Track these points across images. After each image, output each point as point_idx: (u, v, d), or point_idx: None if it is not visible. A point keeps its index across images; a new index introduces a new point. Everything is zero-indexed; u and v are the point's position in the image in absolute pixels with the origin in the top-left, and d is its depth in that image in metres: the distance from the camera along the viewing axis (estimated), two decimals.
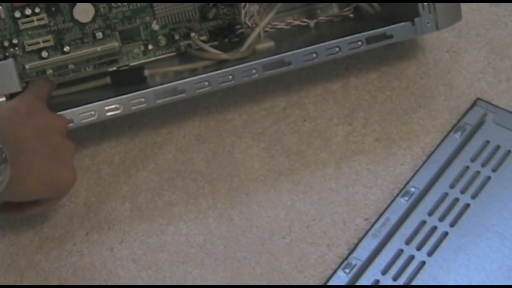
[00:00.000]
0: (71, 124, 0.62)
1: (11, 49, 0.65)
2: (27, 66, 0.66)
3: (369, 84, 0.72)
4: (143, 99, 0.63)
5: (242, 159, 0.68)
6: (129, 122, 0.71)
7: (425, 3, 0.66)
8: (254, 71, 0.65)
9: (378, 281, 0.61)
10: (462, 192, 0.65)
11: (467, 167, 0.66)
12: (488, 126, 0.68)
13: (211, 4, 0.70)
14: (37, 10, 0.65)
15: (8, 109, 0.59)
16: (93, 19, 0.67)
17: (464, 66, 0.73)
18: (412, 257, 0.62)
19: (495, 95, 0.71)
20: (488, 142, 0.67)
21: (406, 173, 0.66)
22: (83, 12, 0.66)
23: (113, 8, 0.67)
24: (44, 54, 0.66)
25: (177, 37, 0.70)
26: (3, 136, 0.55)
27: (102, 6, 0.67)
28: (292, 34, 0.72)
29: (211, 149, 0.69)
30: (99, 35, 0.67)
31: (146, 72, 0.67)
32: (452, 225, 0.63)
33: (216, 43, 0.71)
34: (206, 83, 0.64)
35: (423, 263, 0.61)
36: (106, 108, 0.63)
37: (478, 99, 0.70)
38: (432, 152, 0.67)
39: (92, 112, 0.62)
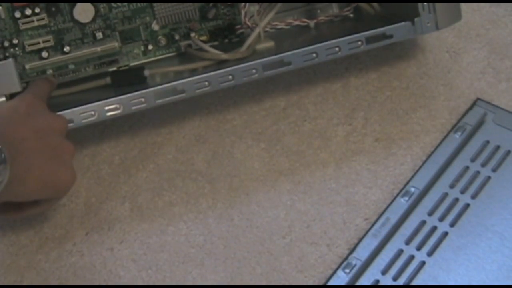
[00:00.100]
0: (71, 124, 0.62)
1: (11, 49, 0.65)
2: (27, 66, 0.66)
3: (369, 84, 0.72)
4: (143, 99, 0.63)
5: (242, 159, 0.68)
6: (129, 122, 0.71)
7: (425, 3, 0.66)
8: (254, 71, 0.65)
9: (378, 281, 0.61)
10: (462, 192, 0.65)
11: (467, 167, 0.66)
12: (488, 126, 0.68)
13: (211, 4, 0.70)
14: (37, 10, 0.65)
15: (8, 109, 0.59)
16: (93, 19, 0.67)
17: (464, 66, 0.73)
18: (412, 257, 0.62)
19: (495, 95, 0.71)
20: (488, 142, 0.67)
21: (406, 173, 0.66)
22: (83, 12, 0.66)
23: (113, 8, 0.67)
24: (44, 54, 0.66)
25: (177, 37, 0.70)
26: (2, 136, 0.55)
27: (102, 6, 0.67)
28: (292, 34, 0.72)
29: (211, 149, 0.69)
30: (99, 35, 0.67)
31: (146, 72, 0.67)
32: (452, 225, 0.63)
33: (216, 43, 0.71)
34: (206, 83, 0.64)
35: (423, 263, 0.61)
36: (106, 108, 0.63)
37: (478, 99, 0.70)
38: (432, 152, 0.67)
39: (92, 112, 0.62)
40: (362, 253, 0.61)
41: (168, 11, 0.68)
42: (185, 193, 0.66)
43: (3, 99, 0.62)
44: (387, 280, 0.61)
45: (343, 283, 0.60)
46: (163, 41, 0.70)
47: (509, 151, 0.67)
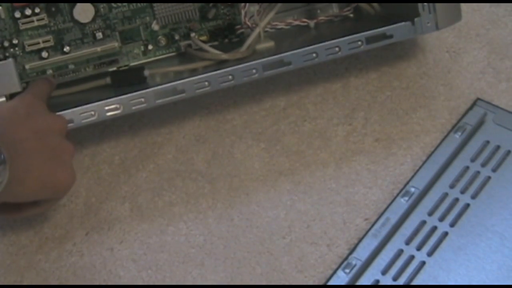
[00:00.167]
0: (71, 124, 0.62)
1: (11, 49, 0.65)
2: (27, 66, 0.66)
3: (369, 84, 0.72)
4: (143, 99, 0.63)
5: (242, 159, 0.68)
6: (129, 122, 0.71)
7: (425, 3, 0.66)
8: (254, 71, 0.65)
9: (378, 281, 0.61)
10: (462, 192, 0.65)
11: (467, 167, 0.66)
12: (488, 126, 0.68)
13: (211, 4, 0.70)
14: (37, 10, 0.65)
15: (8, 109, 0.59)
16: (93, 19, 0.67)
17: (464, 66, 0.73)
18: (412, 257, 0.62)
19: (495, 95, 0.71)
20: (488, 142, 0.67)
21: (406, 173, 0.66)
22: (83, 12, 0.66)
23: (113, 9, 0.67)
24: (44, 54, 0.66)
25: (177, 37, 0.70)
26: (2, 136, 0.55)
27: (102, 6, 0.67)
28: (292, 34, 0.72)
29: (211, 149, 0.69)
30: (99, 35, 0.67)
31: (146, 72, 0.67)
32: (452, 225, 0.63)
33: (216, 43, 0.71)
34: (206, 83, 0.64)
35: (423, 263, 0.61)
36: (106, 108, 0.63)
37: (478, 99, 0.70)
38: (432, 152, 0.67)
39: (92, 112, 0.62)
40: (362, 253, 0.61)
41: (168, 11, 0.68)
42: (185, 193, 0.66)
43: (3, 99, 0.62)
44: (387, 280, 0.61)
45: (343, 283, 0.60)
46: (163, 41, 0.70)
47: (509, 151, 0.67)
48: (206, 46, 0.69)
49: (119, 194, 0.66)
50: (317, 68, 0.73)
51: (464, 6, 0.71)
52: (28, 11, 0.64)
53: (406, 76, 0.72)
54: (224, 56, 0.68)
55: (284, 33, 0.72)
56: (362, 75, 0.73)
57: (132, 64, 0.70)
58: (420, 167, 0.66)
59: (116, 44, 0.68)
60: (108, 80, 0.67)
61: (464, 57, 0.74)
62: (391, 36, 0.66)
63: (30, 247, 0.64)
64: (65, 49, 0.67)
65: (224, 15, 0.71)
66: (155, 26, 0.69)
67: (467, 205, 0.64)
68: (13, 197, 0.57)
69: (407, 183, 0.65)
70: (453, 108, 0.70)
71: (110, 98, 0.63)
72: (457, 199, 0.64)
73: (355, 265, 0.61)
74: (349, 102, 0.71)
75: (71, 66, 0.68)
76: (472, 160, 0.66)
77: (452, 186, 0.65)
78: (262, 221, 0.65)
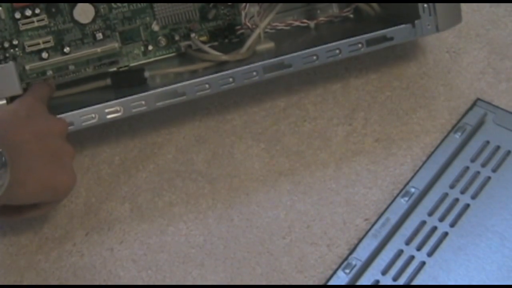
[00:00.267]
0: (71, 127, 0.62)
1: (11, 50, 0.65)
2: (27, 67, 0.66)
3: (369, 84, 0.72)
4: (143, 102, 0.63)
5: (242, 160, 0.68)
6: (129, 122, 0.71)
7: (425, 5, 0.66)
8: (254, 73, 0.65)
9: (378, 281, 0.61)
10: (462, 192, 0.65)
11: (467, 168, 0.66)
12: (488, 127, 0.68)
13: (211, 5, 0.70)
14: (37, 11, 0.65)
15: (8, 112, 0.59)
16: (93, 20, 0.67)
17: (464, 66, 0.73)
18: (412, 258, 0.62)
19: (495, 96, 0.71)
20: (488, 142, 0.67)
21: (406, 173, 0.66)
22: (83, 13, 0.66)
23: (113, 9, 0.67)
24: (44, 55, 0.66)
25: (177, 37, 0.70)
26: (3, 139, 0.55)
27: (102, 7, 0.67)
28: (292, 35, 0.72)
29: (211, 149, 0.69)
30: (99, 36, 0.67)
31: (147, 74, 0.67)
32: (452, 225, 0.63)
33: (216, 43, 0.71)
34: (207, 85, 0.64)
35: (423, 264, 0.61)
36: (107, 110, 0.63)
37: (478, 99, 0.70)
38: (432, 152, 0.67)
39: (93, 115, 0.62)
40: (362, 253, 0.61)
41: (168, 11, 0.68)
42: (185, 193, 0.66)
43: (4, 102, 0.62)
44: (387, 280, 0.61)
45: (343, 284, 0.60)
46: (163, 42, 0.70)
47: (509, 151, 0.67)
48: (206, 48, 0.69)
49: (119, 195, 0.66)
50: (317, 68, 0.73)
51: (464, 6, 0.71)
52: (28, 12, 0.64)
53: (406, 76, 0.72)
54: (224, 57, 0.68)
55: (284, 34, 0.72)
56: (362, 75, 0.73)
57: (132, 64, 0.70)
58: (420, 167, 0.66)
59: (116, 44, 0.68)
60: (108, 81, 0.67)
61: (464, 57, 0.74)
62: (391, 39, 0.66)
63: (30, 247, 0.64)
64: (65, 50, 0.67)
65: (224, 15, 0.71)
66: (155, 27, 0.69)
67: (467, 205, 0.64)
68: (14, 199, 0.57)
69: (407, 183, 0.65)
70: (453, 108, 0.70)
71: (110, 100, 0.63)
72: (457, 199, 0.64)
73: (355, 265, 0.61)
74: (349, 102, 0.71)
75: (71, 67, 0.68)
76: (472, 160, 0.66)
77: (452, 186, 0.65)
78: (262, 221, 0.65)
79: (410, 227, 0.63)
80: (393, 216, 0.63)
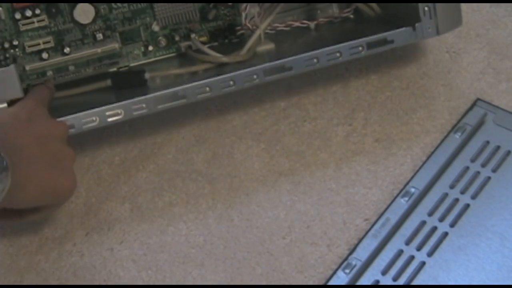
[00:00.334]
0: (72, 130, 0.62)
1: (12, 51, 0.65)
2: (27, 68, 0.66)
3: (369, 85, 0.72)
4: (144, 105, 0.63)
5: (242, 160, 0.68)
6: (129, 123, 0.70)
7: (426, 8, 0.66)
8: (255, 76, 0.65)
9: (378, 281, 0.61)
10: (462, 192, 0.65)
11: (467, 168, 0.66)
12: (488, 127, 0.68)
13: (211, 5, 0.70)
14: (37, 11, 0.65)
15: (9, 115, 0.59)
16: (93, 20, 0.67)
17: (464, 66, 0.73)
18: (412, 258, 0.62)
19: (495, 96, 0.71)
20: (488, 142, 0.67)
21: (406, 173, 0.66)
22: (84, 13, 0.66)
23: (113, 9, 0.67)
24: (45, 55, 0.66)
25: (177, 38, 0.70)
26: (3, 143, 0.55)
27: (103, 7, 0.67)
28: (292, 36, 0.72)
29: (211, 149, 0.69)
30: (100, 36, 0.67)
31: (147, 75, 0.67)
32: (452, 225, 0.63)
33: (216, 43, 0.71)
34: (207, 88, 0.64)
35: (423, 264, 0.61)
36: (107, 113, 0.63)
37: (478, 99, 0.70)
38: (432, 152, 0.67)
39: (94, 118, 0.62)
40: (362, 253, 0.61)
41: (168, 12, 0.68)
42: (185, 194, 0.66)
43: (4, 105, 0.62)
44: (387, 280, 0.61)
45: (343, 284, 0.60)
46: (163, 42, 0.70)
47: (509, 152, 0.67)
48: (206, 49, 0.69)
49: (119, 195, 0.67)
50: (317, 68, 0.73)
51: (464, 6, 0.71)
52: (28, 13, 0.64)
53: (406, 76, 0.72)
54: (225, 59, 0.68)
55: (284, 35, 0.72)
56: (362, 75, 0.73)
57: (132, 64, 0.70)
58: (420, 168, 0.66)
59: (116, 45, 0.68)
60: (108, 82, 0.67)
61: (464, 57, 0.74)
62: (392, 41, 0.67)
63: (30, 248, 0.64)
64: (65, 50, 0.67)
65: (224, 15, 0.71)
66: (156, 27, 0.69)
67: (467, 206, 0.64)
68: (14, 203, 0.57)
69: (407, 183, 0.65)
70: (453, 108, 0.70)
71: (111, 101, 0.63)
72: (457, 200, 0.64)
73: (355, 266, 0.61)
74: (349, 103, 0.71)
75: (72, 67, 0.68)
76: (472, 161, 0.66)
77: (452, 187, 0.65)
78: (262, 222, 0.65)
79: (410, 227, 0.63)
80: (393, 216, 0.63)
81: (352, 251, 0.62)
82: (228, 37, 0.71)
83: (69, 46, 0.67)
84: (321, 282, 0.61)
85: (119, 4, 0.67)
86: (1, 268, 0.63)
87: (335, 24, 0.73)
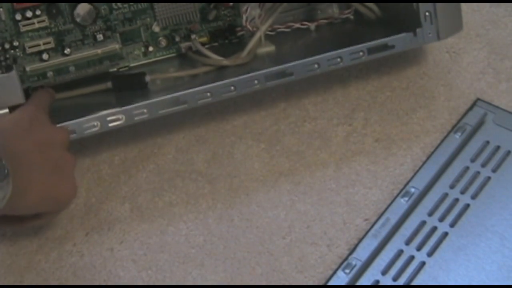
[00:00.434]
0: (73, 135, 0.62)
1: (12, 51, 0.65)
2: (27, 68, 0.66)
3: (369, 85, 0.72)
4: (145, 110, 0.63)
5: (242, 160, 0.68)
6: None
7: (427, 13, 0.66)
8: (256, 81, 0.65)
9: (378, 281, 0.61)
10: (462, 192, 0.65)
11: (467, 168, 0.66)
12: (488, 127, 0.68)
13: (211, 6, 0.70)
14: (38, 12, 0.65)
15: (10, 121, 0.59)
16: (94, 21, 0.67)
17: (464, 66, 0.73)
18: (412, 258, 0.61)
19: (495, 96, 0.71)
20: (488, 142, 0.67)
21: (406, 173, 0.66)
22: (87, 14, 0.67)
23: (114, 10, 0.67)
24: (45, 56, 0.66)
25: (177, 38, 0.70)
26: (4, 150, 0.55)
27: (103, 8, 0.67)
28: (293, 37, 0.72)
29: (211, 149, 0.69)
30: (100, 37, 0.68)
31: (147, 78, 0.67)
32: (452, 225, 0.63)
33: (216, 44, 0.71)
34: (208, 93, 0.64)
35: (423, 264, 0.61)
36: (109, 118, 0.63)
37: (478, 99, 0.70)
38: (432, 152, 0.67)
39: (95, 123, 0.63)
40: (362, 253, 0.61)
41: (169, 12, 0.69)
42: (185, 194, 0.66)
43: (6, 110, 0.62)
44: (387, 280, 0.61)
45: (343, 284, 0.60)
46: (163, 43, 0.70)
47: (509, 152, 0.67)
48: (207, 52, 0.69)
49: (119, 195, 0.67)
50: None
51: (464, 6, 0.71)
52: (29, 13, 0.65)
53: (406, 76, 0.73)
54: (225, 62, 0.68)
55: (284, 36, 0.72)
56: (362, 75, 0.73)
57: (132, 65, 0.70)
58: (420, 168, 0.66)
59: (116, 45, 0.68)
60: (109, 84, 0.67)
61: (464, 57, 0.74)
62: (392, 47, 0.67)
63: (30, 248, 0.64)
64: (65, 51, 0.67)
65: (224, 16, 0.71)
66: (156, 28, 0.69)
67: (467, 206, 0.64)
68: (15, 210, 0.57)
69: (407, 183, 0.65)
70: (453, 108, 0.70)
71: (111, 104, 0.63)
72: (457, 200, 0.64)
73: (355, 266, 0.61)
74: (349, 102, 0.71)
75: (72, 68, 0.68)
76: (472, 161, 0.66)
77: (452, 187, 0.65)
78: (262, 222, 0.65)
79: (410, 227, 0.63)
80: (393, 216, 0.63)
81: (352, 251, 0.62)
82: (228, 37, 0.71)
83: (70, 47, 0.67)
84: (321, 282, 0.61)
85: (119, 5, 0.67)
86: (1, 268, 0.63)
87: (335, 25, 0.73)
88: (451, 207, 0.64)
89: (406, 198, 0.64)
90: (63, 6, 0.66)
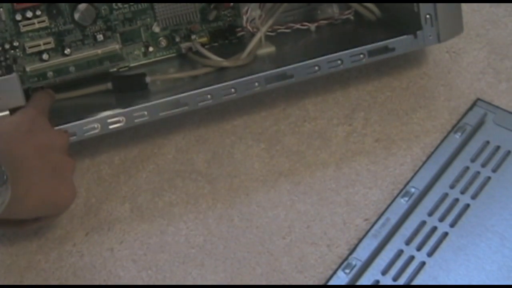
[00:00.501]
0: (73, 137, 0.62)
1: (12, 51, 0.65)
2: (27, 69, 0.66)
3: (369, 85, 0.72)
4: (145, 112, 0.63)
5: (242, 160, 0.68)
6: None
7: (427, 16, 0.66)
8: (256, 84, 0.65)
9: (378, 281, 0.61)
10: (462, 192, 0.65)
11: (467, 168, 0.66)
12: (488, 127, 0.68)
13: (212, 6, 0.70)
14: (38, 12, 0.65)
15: (11, 124, 0.59)
16: (94, 21, 0.67)
17: (464, 66, 0.73)
18: (412, 258, 0.61)
19: (495, 96, 0.71)
20: (488, 142, 0.67)
21: (406, 173, 0.66)
22: (87, 15, 0.67)
23: (114, 10, 0.68)
24: (45, 56, 0.66)
25: (177, 39, 0.70)
26: (4, 154, 0.55)
27: (103, 8, 0.67)
28: (293, 38, 0.72)
29: (211, 149, 0.69)
30: (100, 37, 0.68)
31: (148, 79, 0.67)
32: (452, 225, 0.63)
33: (216, 44, 0.71)
34: (209, 96, 0.64)
35: (423, 264, 0.61)
36: (109, 121, 0.63)
37: (478, 99, 0.70)
38: (432, 152, 0.67)
39: (95, 125, 0.63)
40: (362, 253, 0.61)
41: (169, 12, 0.69)
42: (185, 194, 0.66)
43: (7, 112, 0.62)
44: (387, 280, 0.60)
45: (343, 284, 0.60)
46: (163, 43, 0.70)
47: (509, 152, 0.67)
48: (207, 53, 0.69)
49: (119, 195, 0.67)
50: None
51: (464, 6, 0.70)
52: (29, 14, 0.65)
53: (406, 76, 0.73)
54: (225, 63, 0.68)
55: (284, 37, 0.72)
56: (362, 75, 0.73)
57: (132, 65, 0.70)
58: (420, 168, 0.66)
59: (116, 45, 0.68)
60: (109, 85, 0.67)
61: (464, 57, 0.74)
62: (393, 49, 0.67)
63: (30, 248, 0.64)
64: (65, 51, 0.67)
65: (225, 16, 0.71)
66: (156, 28, 0.69)
67: (467, 206, 0.64)
68: (14, 214, 0.57)
69: (407, 183, 0.65)
70: (453, 108, 0.70)
71: (112, 105, 0.63)
72: (457, 200, 0.64)
73: (355, 266, 0.61)
74: (349, 102, 0.71)
75: (72, 68, 0.68)
76: (472, 161, 0.66)
77: (452, 187, 0.65)
78: (262, 221, 0.65)
79: (410, 227, 0.63)
80: (393, 216, 0.63)
81: (352, 251, 0.62)
82: (228, 38, 0.71)
83: (70, 47, 0.67)
84: (321, 282, 0.61)
85: (119, 5, 0.67)
86: (1, 267, 0.63)
87: (336, 26, 0.73)
88: (451, 207, 0.64)
89: (406, 198, 0.64)
90: (63, 6, 0.66)
